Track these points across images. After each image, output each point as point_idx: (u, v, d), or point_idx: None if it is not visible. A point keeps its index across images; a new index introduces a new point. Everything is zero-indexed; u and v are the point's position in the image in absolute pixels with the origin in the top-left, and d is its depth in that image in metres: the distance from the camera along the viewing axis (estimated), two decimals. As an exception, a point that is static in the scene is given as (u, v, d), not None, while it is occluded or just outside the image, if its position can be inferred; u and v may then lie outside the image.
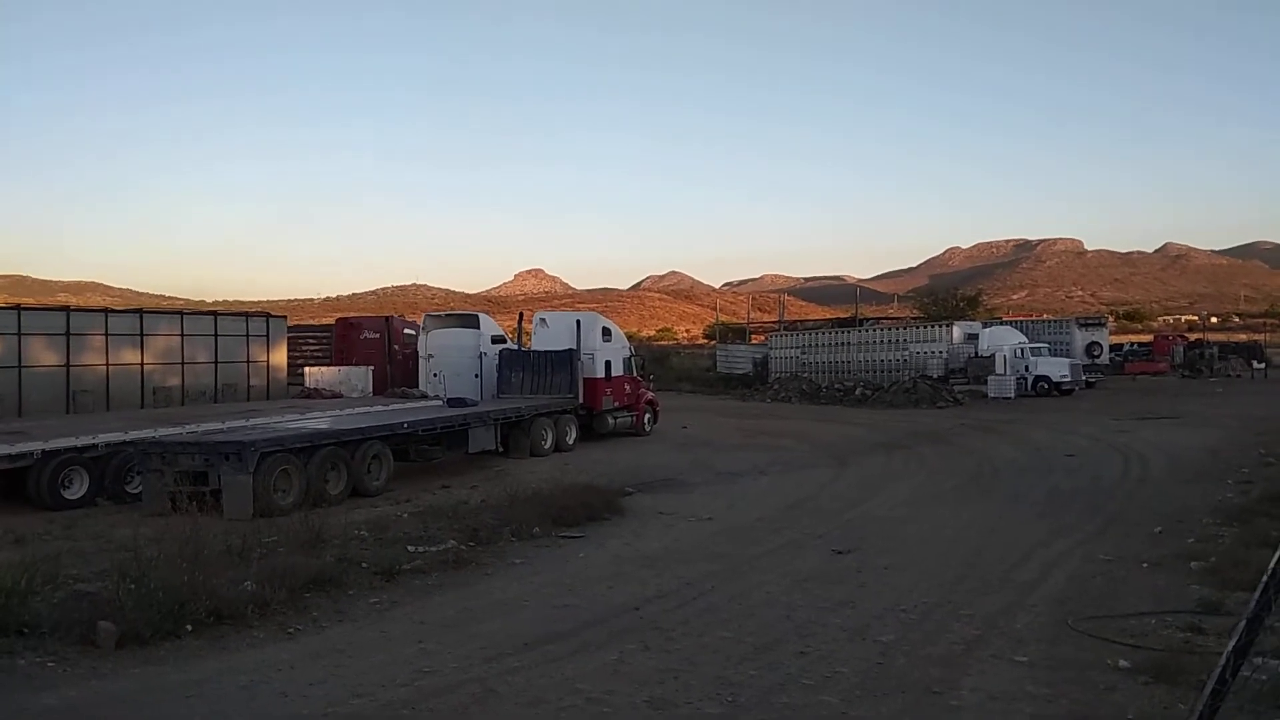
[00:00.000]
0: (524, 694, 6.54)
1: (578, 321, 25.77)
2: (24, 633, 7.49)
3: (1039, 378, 40.78)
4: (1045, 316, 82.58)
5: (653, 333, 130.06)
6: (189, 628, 7.80)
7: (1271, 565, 2.52)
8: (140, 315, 25.02)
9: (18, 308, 23.15)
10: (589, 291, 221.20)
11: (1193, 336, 70.05)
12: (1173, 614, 8.35)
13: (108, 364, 22.72)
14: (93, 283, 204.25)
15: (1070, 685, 6.64)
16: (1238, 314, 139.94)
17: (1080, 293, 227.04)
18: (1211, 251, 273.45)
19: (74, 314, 23.38)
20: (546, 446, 22.14)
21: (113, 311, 25.58)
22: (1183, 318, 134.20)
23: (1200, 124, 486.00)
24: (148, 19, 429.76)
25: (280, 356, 27.63)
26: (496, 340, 26.75)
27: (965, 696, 6.46)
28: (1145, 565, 10.40)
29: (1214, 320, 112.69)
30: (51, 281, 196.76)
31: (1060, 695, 6.44)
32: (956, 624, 8.28)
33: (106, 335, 22.93)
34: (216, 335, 25.69)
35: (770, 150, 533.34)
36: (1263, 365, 54.84)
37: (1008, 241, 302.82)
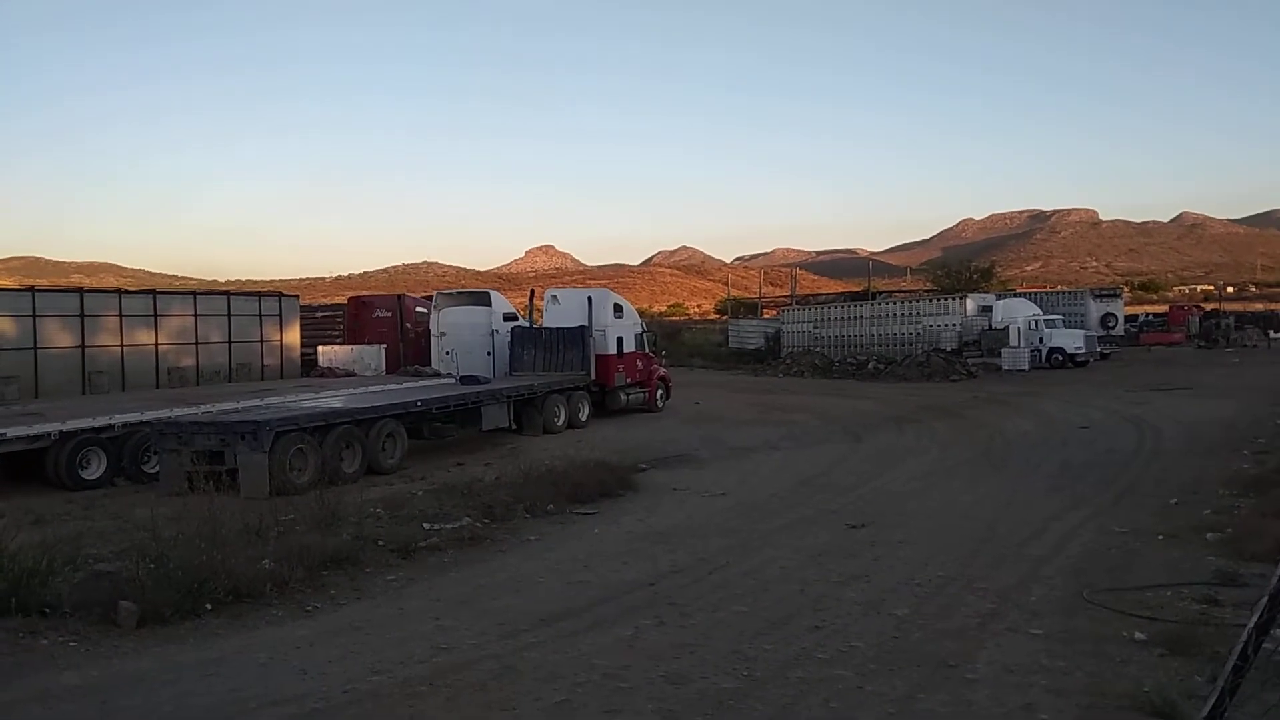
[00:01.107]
0: (540, 669, 6.58)
1: (589, 298, 25.73)
2: (46, 613, 7.57)
3: (1053, 350, 40.59)
4: (1059, 288, 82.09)
5: (664, 308, 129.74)
6: (209, 606, 7.88)
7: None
8: (154, 296, 25.12)
9: (31, 289, 23.30)
10: (600, 268, 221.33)
11: (1208, 306, 69.59)
12: (1188, 586, 8.33)
13: (122, 345, 22.86)
14: (105, 263, 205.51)
15: (1086, 658, 6.63)
16: (1254, 283, 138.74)
17: (1095, 263, 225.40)
18: (1228, 220, 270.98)
19: (88, 295, 23.51)
20: (559, 423, 22.19)
21: (126, 292, 25.68)
22: (1199, 288, 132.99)
23: (1217, 93, 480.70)
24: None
25: (293, 336, 27.74)
26: (508, 318, 26.76)
27: (980, 670, 6.47)
28: (1160, 537, 10.37)
29: (1230, 290, 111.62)
30: (65, 263, 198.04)
31: (1076, 668, 6.44)
32: (971, 597, 8.28)
33: (120, 316, 23.06)
34: (230, 315, 25.81)
35: (782, 125, 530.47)
36: (1279, 335, 54.41)
37: (1021, 213, 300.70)
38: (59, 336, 21.66)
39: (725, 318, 75.51)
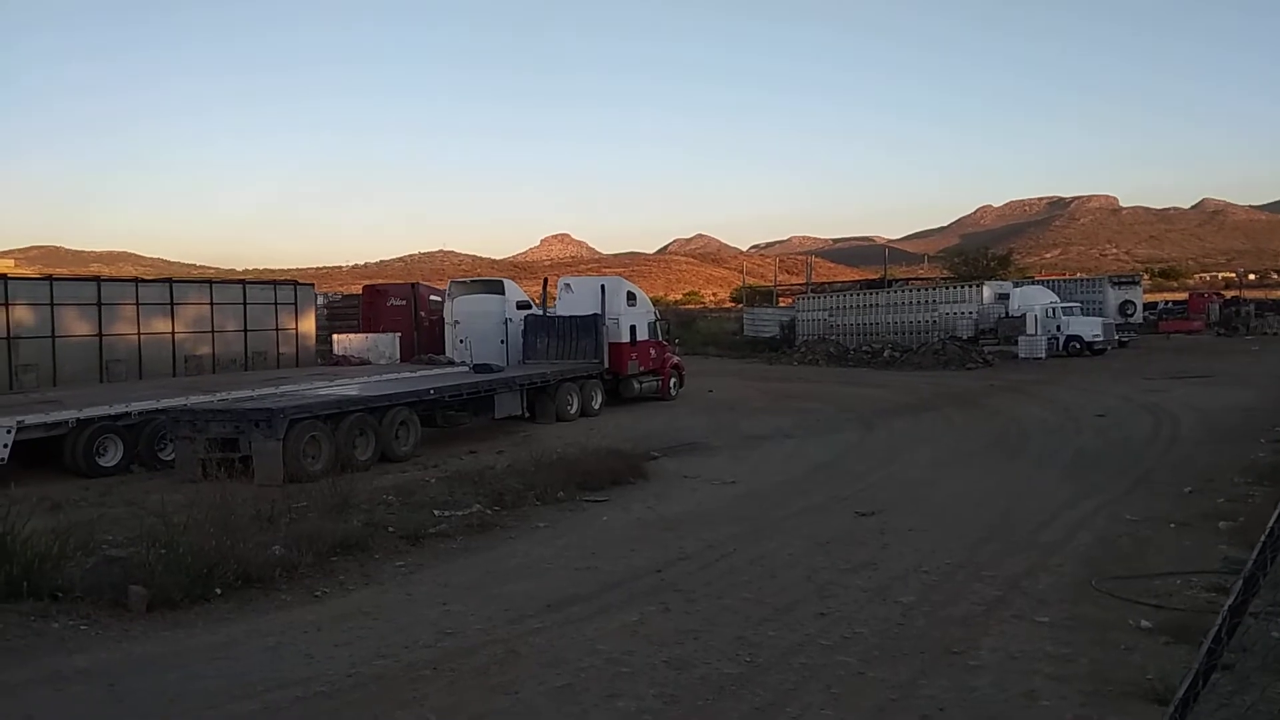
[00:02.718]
0: (545, 654, 6.61)
1: (602, 286, 25.72)
2: (57, 597, 7.65)
3: (1070, 337, 40.34)
4: (1078, 275, 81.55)
5: (679, 296, 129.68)
6: (218, 591, 7.95)
7: (1270, 524, 2.49)
8: (170, 285, 25.26)
9: (49, 278, 23.49)
10: (615, 256, 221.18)
11: (1229, 294, 68.96)
12: (1198, 574, 8.28)
13: (139, 333, 22.99)
14: (124, 252, 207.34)
15: (1090, 645, 6.61)
16: (1276, 270, 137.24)
17: (1115, 250, 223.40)
18: (1250, 207, 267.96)
19: (105, 284, 23.64)
20: (572, 411, 22.23)
21: (143, 281, 25.90)
22: (1220, 275, 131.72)
23: (1238, 78, 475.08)
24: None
25: (309, 324, 27.85)
26: (522, 306, 26.79)
27: (984, 657, 6.46)
28: (1173, 526, 10.31)
29: (1252, 277, 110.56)
30: (84, 252, 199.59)
31: (1080, 655, 6.42)
32: (978, 585, 8.26)
33: (138, 305, 23.18)
34: (246, 304, 25.89)
35: (800, 114, 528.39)
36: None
37: (1040, 199, 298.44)
38: (77, 325, 21.82)
39: (740, 306, 75.46)
